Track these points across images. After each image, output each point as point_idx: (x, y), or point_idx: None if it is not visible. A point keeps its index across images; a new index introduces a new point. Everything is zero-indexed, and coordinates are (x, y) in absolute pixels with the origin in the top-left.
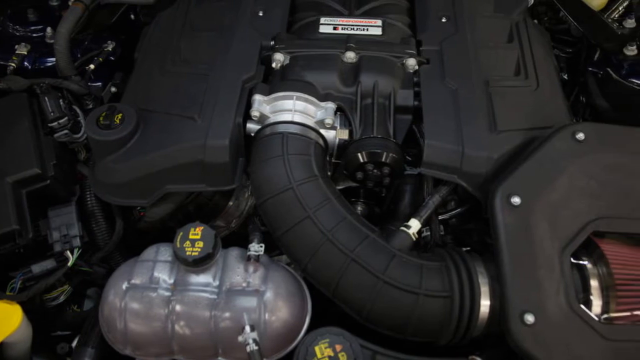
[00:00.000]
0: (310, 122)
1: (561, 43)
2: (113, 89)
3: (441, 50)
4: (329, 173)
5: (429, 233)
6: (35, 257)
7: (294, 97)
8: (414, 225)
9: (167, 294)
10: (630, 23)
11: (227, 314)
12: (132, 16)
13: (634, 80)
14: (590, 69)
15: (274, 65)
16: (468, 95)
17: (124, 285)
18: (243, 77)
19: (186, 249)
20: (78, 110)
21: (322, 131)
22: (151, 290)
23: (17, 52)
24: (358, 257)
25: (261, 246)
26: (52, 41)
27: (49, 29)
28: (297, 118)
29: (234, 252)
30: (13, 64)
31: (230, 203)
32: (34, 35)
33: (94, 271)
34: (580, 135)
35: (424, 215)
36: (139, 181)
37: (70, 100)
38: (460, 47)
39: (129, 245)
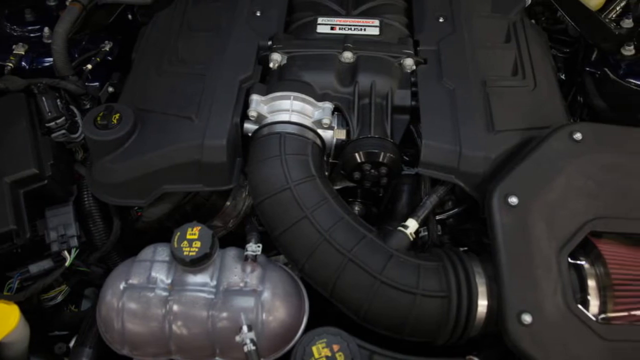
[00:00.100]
0: (307, 122)
1: (558, 43)
2: (110, 89)
3: (438, 50)
4: (326, 173)
5: (426, 233)
6: (33, 257)
7: (292, 97)
8: (412, 225)
9: (165, 294)
10: (627, 23)
11: (224, 314)
12: (130, 16)
13: (632, 80)
14: (587, 69)
15: (271, 65)
16: (465, 95)
17: (122, 285)
18: (240, 77)
19: (183, 249)
20: (75, 110)
21: (320, 131)
22: (149, 290)
23: (14, 52)
24: (355, 257)
25: (259, 246)
26: (49, 41)
27: (46, 29)
28: (295, 118)
29: (231, 252)
30: (10, 64)
31: (228, 203)
32: (32, 35)
33: (91, 271)
34: (578, 135)
35: (422, 215)
36: (137, 181)
37: (68, 100)
38: (458, 47)
39: (126, 245)
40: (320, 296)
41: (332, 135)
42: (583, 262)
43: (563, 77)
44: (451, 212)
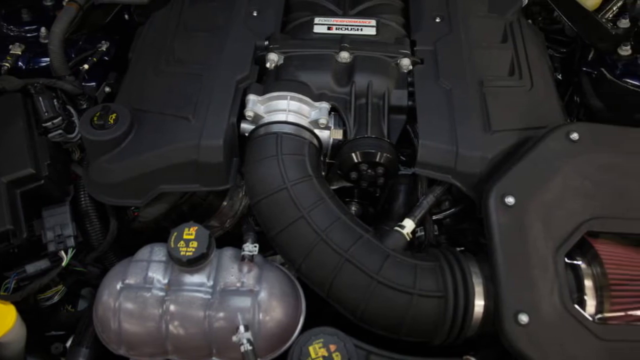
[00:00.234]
0: (304, 122)
1: (555, 43)
2: (107, 89)
3: (435, 50)
4: (323, 173)
5: (423, 233)
6: (30, 257)
7: (288, 97)
8: (408, 225)
9: (161, 294)
10: (624, 23)
11: (221, 314)
12: (126, 16)
13: (628, 80)
14: (584, 69)
15: (268, 65)
16: (462, 95)
17: (118, 285)
18: (237, 77)
19: (180, 249)
20: (72, 110)
21: (316, 131)
22: (145, 290)
23: (11, 52)
24: (352, 257)
25: (255, 246)
26: (46, 41)
27: (43, 29)
28: (291, 118)
29: (228, 252)
30: (7, 64)
31: (225, 203)
32: (28, 35)
33: (88, 271)
34: (575, 135)
35: (418, 215)
36: (133, 181)
37: (65, 100)
38: (455, 47)
39: (123, 245)
40: (317, 296)
41: (328, 135)
42: (580, 262)
43: (560, 77)
44: (448, 212)
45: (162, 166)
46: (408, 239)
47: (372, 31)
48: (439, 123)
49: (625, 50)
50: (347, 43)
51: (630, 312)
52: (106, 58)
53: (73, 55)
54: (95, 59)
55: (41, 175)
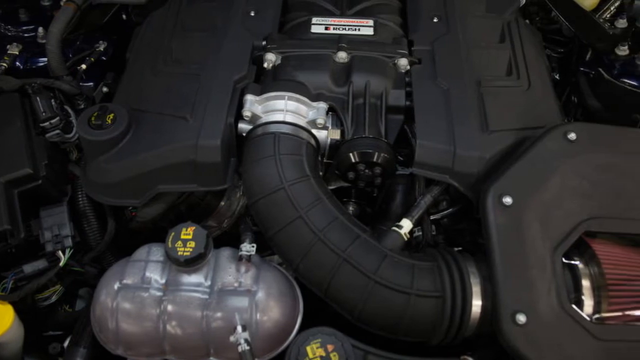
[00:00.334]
0: (302, 122)
1: (553, 43)
2: (105, 89)
3: (433, 50)
4: (320, 173)
5: (420, 233)
6: (27, 257)
7: (286, 97)
8: (406, 225)
9: (159, 294)
10: (621, 23)
11: (218, 314)
12: (124, 16)
13: (626, 80)
14: (581, 69)
15: (265, 65)
16: (460, 95)
17: (116, 285)
18: (235, 77)
19: (178, 249)
20: (70, 110)
21: (314, 131)
22: (143, 290)
23: (8, 52)
24: (350, 257)
25: (253, 246)
26: (43, 41)
27: (40, 29)
28: (289, 118)
29: (225, 252)
30: (5, 64)
31: (222, 203)
32: (26, 35)
33: (85, 271)
34: (572, 135)
35: (416, 215)
36: (131, 181)
37: (62, 100)
38: (452, 47)
39: (120, 245)
40: (314, 296)
41: (326, 135)
42: (577, 262)
43: (557, 77)
44: (445, 212)
45: (159, 166)
46: (405, 239)
47: (369, 31)
48: (437, 123)
49: (623, 50)
50: (344, 43)
51: (627, 312)
52: (104, 58)
53: (71, 55)
54: (92, 59)
55: (39, 175)
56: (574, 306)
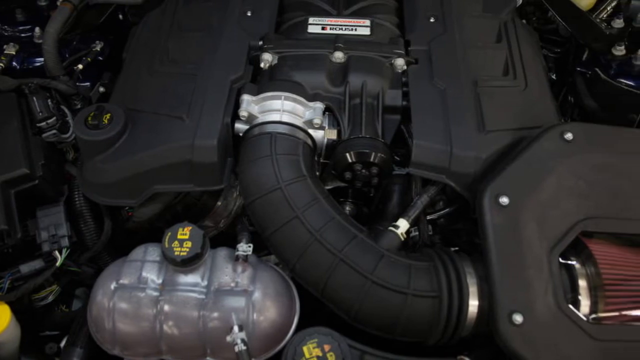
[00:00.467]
0: (298, 122)
1: (550, 43)
2: (101, 89)
3: (429, 50)
4: (317, 173)
5: (417, 233)
6: (24, 257)
7: (283, 97)
8: (403, 225)
9: (156, 294)
10: (618, 23)
11: (215, 314)
12: (121, 16)
13: (622, 80)
14: (578, 69)
15: (262, 65)
16: (456, 95)
17: (113, 285)
18: (231, 77)
19: (174, 249)
20: (66, 110)
21: (311, 131)
22: (139, 290)
23: (5, 52)
24: (346, 257)
25: (249, 246)
26: (40, 41)
27: (37, 29)
28: (286, 118)
29: (222, 252)
30: (1, 64)
31: (219, 203)
32: (22, 35)
33: (82, 271)
34: (569, 135)
35: (413, 215)
36: (127, 181)
37: (59, 100)
38: (449, 47)
39: (117, 245)
40: (311, 296)
41: (323, 135)
42: (574, 262)
43: (554, 77)
44: (442, 212)
45: (156, 166)
46: (402, 239)
47: (366, 31)
48: (433, 123)
49: (620, 50)
50: (341, 43)
51: (624, 312)
52: (100, 58)
53: (67, 55)
54: (89, 59)
55: (35, 175)
56: (570, 306)
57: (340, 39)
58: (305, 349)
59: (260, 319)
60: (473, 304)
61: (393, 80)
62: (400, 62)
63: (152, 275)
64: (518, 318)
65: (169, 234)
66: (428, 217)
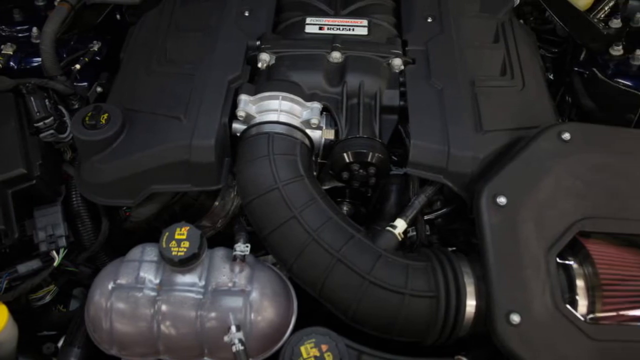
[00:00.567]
0: (296, 122)
1: (547, 43)
2: (99, 89)
3: (427, 50)
4: (314, 173)
5: (414, 233)
6: (21, 257)
7: (280, 97)
8: (400, 225)
9: (153, 294)
10: (616, 23)
11: (212, 314)
12: (118, 16)
13: (620, 80)
14: (576, 69)
15: (259, 65)
16: (454, 95)
17: (110, 285)
18: (229, 77)
19: (172, 249)
20: (64, 110)
21: (308, 131)
22: (137, 290)
23: (2, 52)
24: (344, 257)
25: (247, 246)
26: (38, 41)
27: (34, 29)
28: (283, 118)
29: (219, 252)
30: None
31: (216, 203)
32: (20, 35)
33: (79, 271)
34: (566, 135)
35: (410, 215)
36: (125, 181)
37: (56, 100)
38: (446, 47)
39: (114, 245)
40: (308, 296)
41: (320, 135)
42: (571, 262)
43: (551, 77)
44: (440, 212)
45: (153, 166)
46: (400, 239)
47: (363, 31)
48: (431, 123)
49: (617, 50)
50: (338, 43)
51: (621, 312)
52: (98, 58)
53: (65, 55)
54: (87, 59)
55: (33, 175)
56: (568, 306)
57: (337, 39)
58: (302, 349)
59: (257, 319)
60: (470, 304)
61: (390, 80)
62: (397, 62)
63: (149, 275)
64: (515, 318)
65: (167, 234)
66: (425, 217)
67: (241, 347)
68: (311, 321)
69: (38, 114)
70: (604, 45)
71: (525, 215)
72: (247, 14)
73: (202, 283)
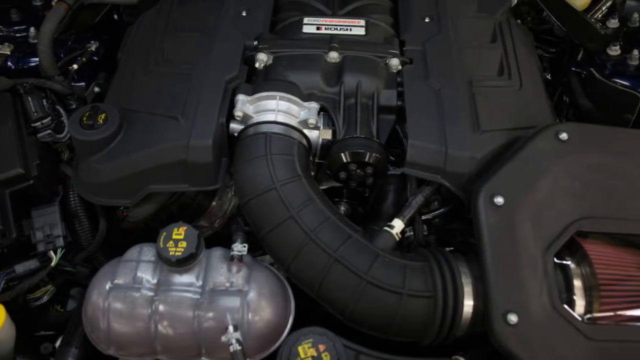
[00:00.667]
0: (293, 122)
1: (544, 43)
2: (96, 89)
3: (424, 50)
4: (312, 173)
5: (412, 233)
6: (19, 257)
7: (277, 97)
8: (397, 225)
9: (151, 294)
10: (613, 23)
11: (210, 314)
12: (116, 16)
13: (617, 80)
14: (573, 69)
15: (257, 65)
16: (451, 95)
17: (108, 285)
18: (226, 77)
19: (169, 249)
20: (61, 110)
21: (306, 131)
22: (134, 290)
23: (0, 52)
24: (341, 257)
25: (244, 246)
26: (35, 41)
27: (32, 29)
28: (281, 118)
29: (217, 252)
30: None
31: (214, 203)
32: (17, 35)
33: (77, 271)
34: (564, 135)
35: (407, 215)
36: (122, 181)
37: (54, 100)
38: (444, 47)
39: (112, 245)
40: (306, 296)
41: (318, 135)
42: (569, 262)
43: (549, 77)
44: (437, 212)
45: (151, 166)
46: (397, 239)
47: (361, 31)
48: (428, 123)
49: (615, 50)
50: (336, 43)
51: (619, 312)
52: (95, 58)
53: (62, 55)
54: (84, 59)
55: (30, 175)
56: (565, 306)
57: (335, 39)
58: (300, 349)
59: (255, 319)
60: (468, 304)
61: (388, 80)
62: (395, 62)
63: (147, 275)
64: (513, 318)
65: (164, 234)
66: (423, 217)
67: (238, 347)
68: (309, 321)
69: (35, 114)
70: (602, 45)
71: (522, 215)
72: (244, 14)
73: (200, 283)
